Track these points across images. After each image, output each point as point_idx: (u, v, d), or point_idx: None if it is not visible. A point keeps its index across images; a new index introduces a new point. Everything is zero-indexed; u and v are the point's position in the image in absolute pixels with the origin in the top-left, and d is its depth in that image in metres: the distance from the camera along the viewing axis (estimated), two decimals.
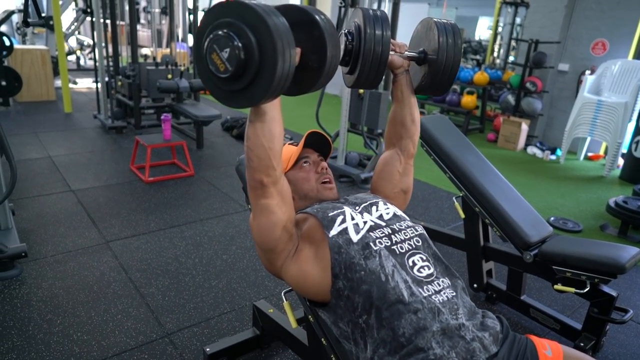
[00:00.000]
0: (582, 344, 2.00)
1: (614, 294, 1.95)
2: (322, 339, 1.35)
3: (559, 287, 2.01)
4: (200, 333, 2.12)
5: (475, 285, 2.48)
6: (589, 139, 5.64)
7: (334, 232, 1.15)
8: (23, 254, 2.46)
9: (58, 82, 7.14)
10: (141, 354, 1.96)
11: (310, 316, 1.39)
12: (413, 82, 1.40)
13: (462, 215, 2.44)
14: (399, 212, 1.29)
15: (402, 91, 1.38)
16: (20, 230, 2.83)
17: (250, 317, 2.23)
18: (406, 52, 1.33)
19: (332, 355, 1.33)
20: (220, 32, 0.93)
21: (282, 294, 1.49)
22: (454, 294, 1.12)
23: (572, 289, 1.96)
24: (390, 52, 1.27)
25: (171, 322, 2.18)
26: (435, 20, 1.29)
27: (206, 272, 2.61)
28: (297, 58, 1.00)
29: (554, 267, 2.00)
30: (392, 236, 1.18)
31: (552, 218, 3.69)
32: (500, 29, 9.21)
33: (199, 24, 0.99)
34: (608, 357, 2.15)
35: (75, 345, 1.98)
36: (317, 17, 1.04)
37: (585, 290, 1.93)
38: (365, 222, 1.20)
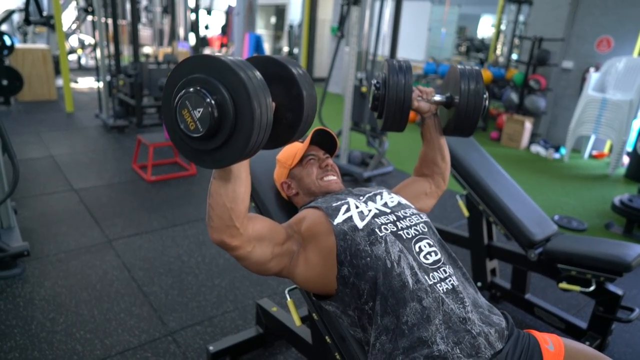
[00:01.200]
0: (587, 343, 1.99)
1: (619, 292, 1.93)
2: (326, 337, 1.34)
3: (564, 285, 1.99)
4: (203, 332, 2.11)
5: (479, 284, 2.46)
6: (593, 137, 5.61)
7: (338, 220, 1.15)
8: (25, 253, 2.46)
9: (59, 82, 7.14)
10: (144, 352, 1.96)
11: (314, 314, 1.38)
12: (442, 123, 1.48)
13: (466, 214, 2.42)
14: (404, 201, 1.29)
15: (431, 132, 1.46)
16: (22, 229, 2.82)
17: (253, 315, 2.22)
18: (433, 98, 1.42)
19: (337, 353, 1.32)
20: (193, 89, 0.85)
21: (286, 291, 1.48)
22: (458, 283, 1.11)
23: (578, 288, 1.95)
24: (418, 98, 1.40)
25: (174, 320, 2.17)
26: (459, 67, 1.37)
27: (209, 271, 2.61)
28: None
29: (559, 265, 1.98)
30: (398, 223, 1.17)
31: (556, 217, 3.67)
32: (503, 27, 9.19)
33: (169, 74, 0.91)
34: (614, 357, 2.14)
35: (78, 344, 1.98)
36: (296, 74, 1.00)
37: (590, 289, 1.92)
38: (369, 210, 1.19)
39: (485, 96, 1.32)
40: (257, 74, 0.89)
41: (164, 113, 0.93)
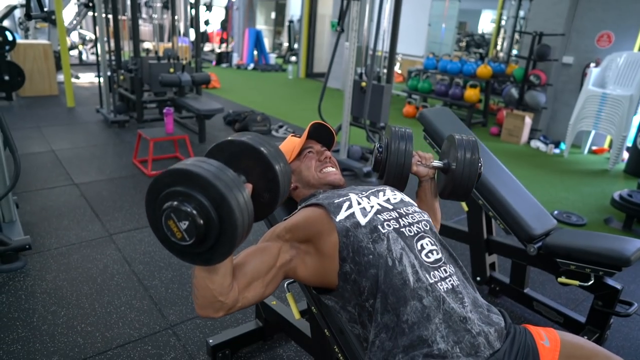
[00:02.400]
0: (585, 337, 2.00)
1: (618, 286, 1.94)
2: (326, 330, 1.35)
3: (562, 280, 2.00)
4: (203, 325, 2.12)
5: (478, 279, 2.48)
6: (593, 132, 5.61)
7: (340, 216, 1.14)
8: (27, 247, 2.47)
9: (60, 77, 7.14)
10: (144, 345, 1.97)
11: (313, 307, 1.39)
12: (438, 187, 1.54)
13: (466, 209, 2.43)
14: (407, 198, 1.29)
15: (426, 195, 1.51)
16: (24, 223, 2.84)
17: (253, 309, 2.23)
18: (432, 163, 1.49)
19: (335, 347, 1.33)
20: (176, 203, 0.86)
21: (285, 285, 1.49)
22: (458, 282, 1.11)
23: (576, 282, 1.95)
24: (417, 163, 1.47)
25: (174, 314, 2.18)
26: (457, 136, 1.45)
27: None
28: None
29: (558, 259, 1.99)
30: (400, 220, 1.17)
31: (556, 212, 3.68)
32: (503, 22, 9.16)
33: (149, 188, 0.92)
34: (612, 351, 2.12)
35: (79, 337, 1.99)
36: (268, 155, 1.03)
37: (589, 283, 1.92)
38: (372, 206, 1.19)
39: (480, 165, 1.39)
40: (230, 174, 0.91)
41: (149, 217, 0.94)
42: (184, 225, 0.87)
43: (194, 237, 0.87)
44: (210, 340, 1.89)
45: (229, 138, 1.05)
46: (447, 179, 1.47)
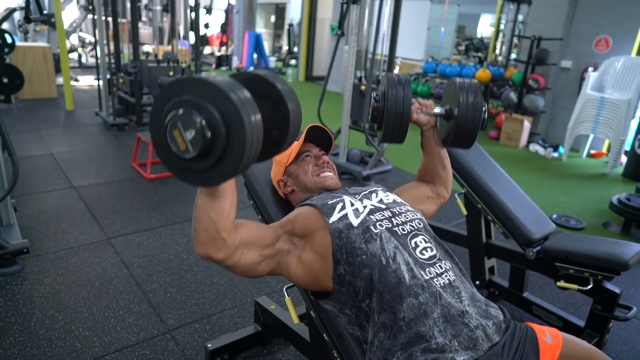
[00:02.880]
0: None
1: (617, 291, 1.94)
2: (324, 335, 1.35)
3: (561, 284, 2.00)
4: (201, 329, 2.12)
5: (477, 282, 2.47)
6: (591, 136, 5.62)
7: (334, 218, 1.15)
8: (25, 250, 2.46)
9: (60, 80, 7.14)
10: (142, 349, 1.96)
11: (312, 312, 1.38)
12: (441, 135, 1.48)
13: (465, 212, 2.43)
14: (399, 199, 1.30)
15: (430, 144, 1.46)
16: (22, 227, 2.83)
17: (251, 313, 2.23)
18: (433, 110, 1.44)
19: (334, 351, 1.32)
20: (183, 110, 0.84)
21: (284, 289, 1.49)
22: (455, 277, 1.12)
23: (575, 286, 1.95)
24: (417, 111, 1.42)
25: (173, 318, 2.18)
26: (458, 80, 1.39)
27: (207, 269, 2.61)
28: None
29: (556, 264, 1.99)
30: (393, 219, 1.18)
31: (554, 215, 3.68)
32: (502, 26, 9.19)
33: (157, 97, 0.89)
34: (611, 355, 2.14)
35: (77, 341, 1.98)
36: (282, 91, 1.00)
37: (588, 287, 1.92)
38: (365, 207, 1.20)
39: (484, 109, 1.33)
40: (247, 93, 0.88)
41: (152, 128, 0.91)
42: (189, 134, 0.83)
43: (198, 149, 0.83)
44: (209, 345, 1.89)
45: (241, 72, 1.02)
46: (449, 126, 1.43)
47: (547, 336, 1.11)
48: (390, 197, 1.29)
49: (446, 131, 1.45)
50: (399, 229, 1.15)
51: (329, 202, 1.21)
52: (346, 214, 1.17)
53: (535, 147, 5.95)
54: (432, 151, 1.47)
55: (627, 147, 5.20)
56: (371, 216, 1.17)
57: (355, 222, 1.14)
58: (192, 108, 0.84)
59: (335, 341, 1.32)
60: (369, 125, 4.51)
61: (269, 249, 1.13)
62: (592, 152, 5.84)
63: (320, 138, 1.44)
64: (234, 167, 0.86)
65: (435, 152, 1.46)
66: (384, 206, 1.22)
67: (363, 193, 1.28)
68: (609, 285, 1.96)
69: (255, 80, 1.00)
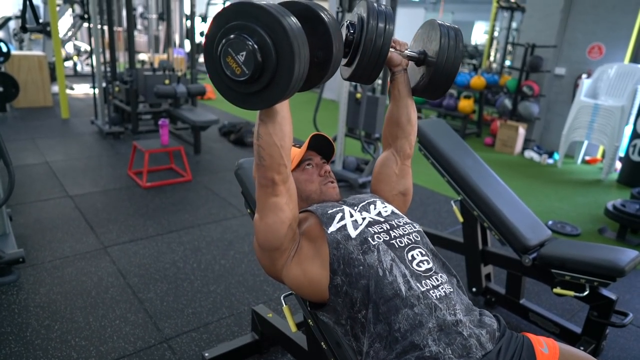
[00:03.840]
0: (582, 348, 2.00)
1: (613, 297, 1.95)
2: (322, 343, 1.34)
3: (558, 290, 2.01)
4: (198, 338, 2.11)
5: (474, 289, 2.48)
6: (586, 142, 5.65)
7: (332, 228, 1.16)
8: (21, 260, 2.45)
9: (55, 88, 7.13)
10: (139, 359, 1.95)
11: (310, 320, 1.38)
12: (411, 82, 1.40)
13: (461, 219, 2.44)
14: (397, 211, 1.31)
15: (400, 90, 1.38)
16: (17, 236, 2.81)
17: (249, 322, 2.22)
18: (406, 51, 1.33)
19: (332, 359, 1.32)
20: (234, 35, 0.91)
21: (282, 297, 1.49)
22: (451, 290, 1.13)
23: (572, 293, 1.96)
24: (390, 49, 1.27)
25: (169, 327, 2.17)
26: (440, 22, 1.28)
27: (204, 277, 2.60)
28: None
29: (553, 270, 2.00)
30: (391, 232, 1.19)
31: (550, 222, 3.70)
32: (496, 34, 9.26)
33: (209, 26, 0.97)
34: None
35: (73, 351, 1.97)
36: (321, 13, 1.04)
37: (584, 294, 1.93)
38: (364, 219, 1.21)
39: (463, 56, 1.25)
40: (294, 18, 0.94)
41: (208, 67, 0.98)
42: (241, 57, 0.91)
43: (252, 67, 0.90)
44: (206, 354, 1.88)
45: (281, 1, 1.06)
46: (421, 72, 1.32)
47: (544, 346, 1.11)
48: (388, 208, 1.29)
49: (417, 78, 1.36)
50: (396, 242, 1.16)
51: (328, 212, 1.21)
52: (345, 224, 1.17)
53: (530, 154, 5.98)
54: (400, 98, 1.38)
55: (621, 154, 5.23)
56: (369, 228, 1.17)
57: (353, 233, 1.15)
58: (239, 32, 0.91)
59: (333, 349, 1.31)
60: (365, 132, 4.52)
61: (295, 222, 1.18)
62: (587, 158, 5.87)
63: (322, 147, 1.44)
64: (287, 81, 0.92)
65: (404, 99, 1.38)
66: (382, 219, 1.23)
67: (362, 204, 1.28)
68: (605, 292, 1.97)
69: (295, 5, 1.05)
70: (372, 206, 1.28)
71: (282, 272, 1.21)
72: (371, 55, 1.17)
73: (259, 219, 1.17)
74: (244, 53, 0.90)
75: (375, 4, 1.19)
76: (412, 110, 1.40)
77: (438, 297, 1.08)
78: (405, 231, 1.21)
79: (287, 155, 1.08)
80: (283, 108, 1.06)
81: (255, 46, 0.90)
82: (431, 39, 1.29)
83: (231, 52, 0.91)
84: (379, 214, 1.25)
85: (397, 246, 1.15)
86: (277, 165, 1.07)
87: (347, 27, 1.20)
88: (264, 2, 0.92)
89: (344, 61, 1.28)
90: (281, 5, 1.02)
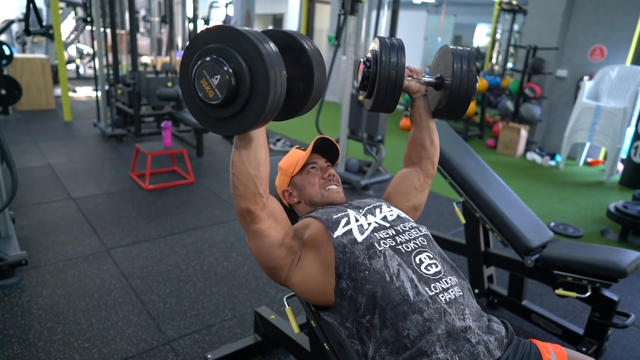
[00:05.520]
0: (584, 349, 2.00)
1: (615, 298, 1.95)
2: (325, 344, 1.35)
3: (560, 291, 2.01)
4: (201, 340, 2.11)
5: (476, 291, 2.48)
6: (588, 144, 5.65)
7: (338, 232, 1.16)
8: (23, 262, 2.46)
9: (58, 91, 7.16)
10: None
11: (312, 321, 1.38)
12: (431, 106, 1.45)
13: (463, 221, 2.44)
14: (403, 214, 1.30)
15: (420, 115, 1.42)
16: (20, 238, 2.82)
17: (251, 323, 2.22)
18: (423, 78, 1.39)
19: None
20: (210, 58, 0.90)
21: (285, 299, 1.49)
22: (461, 293, 1.12)
23: (574, 294, 1.96)
24: (408, 78, 1.35)
25: (172, 329, 2.17)
26: (452, 47, 1.34)
27: (207, 279, 2.61)
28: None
29: (555, 271, 2.00)
30: (397, 237, 1.18)
31: (552, 223, 3.69)
32: (498, 36, 9.27)
33: (187, 45, 0.95)
34: None
35: (76, 353, 1.97)
36: (305, 44, 1.04)
37: (586, 295, 1.93)
38: (369, 224, 1.20)
39: (477, 77, 1.30)
40: (269, 41, 0.94)
41: (183, 88, 0.97)
42: (215, 80, 0.89)
43: (226, 92, 0.89)
44: (209, 355, 1.88)
45: (265, 29, 1.07)
46: (440, 96, 1.38)
47: (552, 353, 1.10)
48: (394, 212, 1.29)
49: (436, 101, 1.41)
50: (402, 247, 1.16)
51: (333, 217, 1.21)
52: (350, 229, 1.17)
53: (532, 156, 5.97)
54: (421, 122, 1.42)
55: (623, 155, 5.23)
56: (375, 234, 1.17)
57: (359, 238, 1.15)
58: (216, 55, 0.90)
59: (336, 351, 1.31)
60: (367, 134, 4.53)
61: (289, 239, 1.18)
62: (589, 160, 5.87)
63: (327, 150, 1.44)
64: (261, 108, 0.91)
65: (425, 123, 1.42)
66: (387, 224, 1.23)
67: (367, 208, 1.28)
68: (607, 293, 1.97)
69: (278, 35, 1.06)
70: (377, 210, 1.28)
71: (287, 281, 1.21)
72: (387, 87, 1.25)
73: (247, 241, 1.18)
74: (218, 77, 0.89)
75: (386, 40, 1.27)
76: (434, 133, 1.45)
77: (447, 300, 1.08)
78: (411, 236, 1.21)
79: (263, 184, 1.06)
80: (258, 135, 1.04)
81: (230, 70, 0.88)
82: (447, 64, 1.35)
83: (205, 75, 0.90)
84: (385, 218, 1.25)
85: (403, 251, 1.15)
86: (251, 194, 1.05)
87: (364, 62, 1.29)
88: (246, 28, 0.92)
89: (364, 94, 1.37)
90: (265, 33, 1.02)
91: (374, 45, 1.32)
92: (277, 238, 1.14)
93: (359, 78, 1.32)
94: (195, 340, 2.11)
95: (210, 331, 2.18)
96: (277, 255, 1.16)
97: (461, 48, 1.34)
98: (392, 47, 1.25)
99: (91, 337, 2.08)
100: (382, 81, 1.25)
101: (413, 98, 1.41)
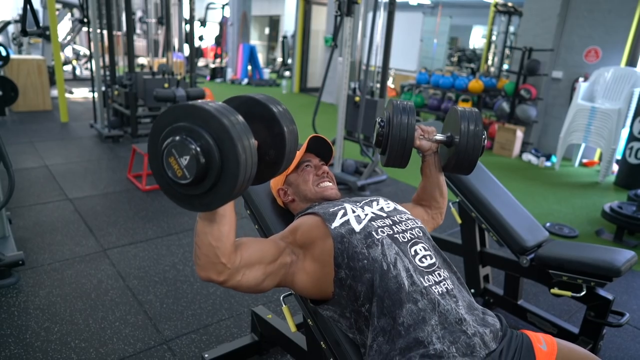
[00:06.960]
0: None
1: (610, 297, 1.96)
2: (322, 343, 1.36)
3: (555, 291, 2.02)
4: (198, 340, 2.12)
5: (472, 290, 2.49)
6: (583, 145, 5.69)
7: (335, 224, 1.17)
8: (20, 262, 2.46)
9: (54, 92, 7.14)
10: None
11: (309, 320, 1.39)
12: (442, 161, 1.51)
13: (459, 221, 2.45)
14: (400, 207, 1.32)
15: (430, 170, 1.49)
16: (17, 239, 2.82)
17: (248, 323, 2.23)
18: (435, 137, 1.47)
19: (331, 359, 1.33)
20: (180, 137, 0.87)
21: (281, 298, 1.50)
22: (453, 287, 1.14)
23: (569, 293, 1.97)
24: (420, 137, 1.45)
25: (169, 329, 2.18)
26: (459, 109, 1.42)
27: None
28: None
29: (550, 271, 2.01)
30: (394, 227, 1.20)
31: (548, 224, 3.72)
32: (494, 37, 9.31)
33: (156, 120, 0.92)
34: None
35: (73, 353, 1.97)
36: (277, 112, 1.03)
37: (581, 294, 1.94)
38: (366, 214, 1.22)
39: (483, 136, 1.37)
40: (240, 118, 0.91)
41: (150, 162, 0.95)
42: (184, 160, 0.87)
43: (194, 173, 0.86)
44: (206, 355, 1.89)
45: (236, 95, 1.06)
46: (450, 153, 1.46)
47: (542, 343, 1.13)
48: (391, 205, 1.31)
49: (447, 157, 1.48)
50: (399, 236, 1.17)
51: (330, 210, 1.22)
52: (348, 219, 1.19)
53: (528, 157, 6.00)
54: (431, 176, 1.50)
55: (618, 156, 5.26)
56: (373, 222, 1.19)
57: (357, 227, 1.16)
58: (185, 134, 0.87)
59: (333, 349, 1.32)
60: (363, 135, 4.54)
61: (272, 265, 1.15)
62: (584, 161, 5.90)
63: (321, 148, 1.47)
64: (230, 188, 0.89)
65: (435, 177, 1.49)
66: (384, 214, 1.24)
67: (364, 201, 1.30)
68: (602, 292, 1.98)
69: (249, 104, 1.04)
70: (374, 202, 1.30)
71: (287, 286, 1.22)
72: (398, 145, 1.38)
73: None
74: (188, 157, 0.86)
75: (398, 103, 1.40)
76: (443, 186, 1.52)
77: (440, 292, 1.09)
78: (407, 226, 1.22)
79: (226, 255, 1.03)
80: (224, 208, 1.01)
81: (199, 151, 0.86)
82: (457, 124, 1.42)
83: (174, 154, 0.87)
84: (382, 209, 1.27)
85: (400, 241, 1.16)
86: (212, 265, 1.02)
87: (379, 123, 1.41)
88: (218, 105, 0.90)
89: (379, 150, 1.47)
90: (240, 101, 1.02)
91: (389, 108, 1.43)
92: (255, 279, 1.11)
93: (374, 135, 1.43)
94: (192, 340, 2.11)
95: (207, 331, 2.18)
96: (262, 287, 1.14)
97: (469, 109, 1.42)
98: (403, 110, 1.38)
99: (88, 337, 2.08)
100: (394, 140, 1.37)
101: (424, 155, 1.49)
